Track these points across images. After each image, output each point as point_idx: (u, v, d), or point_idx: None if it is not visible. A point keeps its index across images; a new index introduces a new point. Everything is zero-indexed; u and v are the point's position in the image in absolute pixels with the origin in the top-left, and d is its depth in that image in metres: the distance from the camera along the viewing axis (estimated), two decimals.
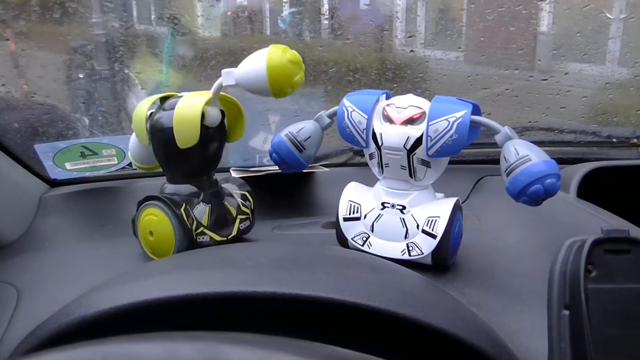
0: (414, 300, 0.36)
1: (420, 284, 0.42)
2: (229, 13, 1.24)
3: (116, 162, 0.79)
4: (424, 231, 0.58)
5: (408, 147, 0.58)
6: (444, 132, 0.55)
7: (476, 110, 0.58)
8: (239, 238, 0.66)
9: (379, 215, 0.61)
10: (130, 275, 0.41)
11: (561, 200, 0.69)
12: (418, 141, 0.57)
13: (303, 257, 0.44)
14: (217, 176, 0.68)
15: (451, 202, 0.59)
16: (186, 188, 0.62)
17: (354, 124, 0.60)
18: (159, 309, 0.35)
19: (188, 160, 0.62)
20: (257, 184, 0.79)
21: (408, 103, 0.59)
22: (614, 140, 0.91)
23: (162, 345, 0.21)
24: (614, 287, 0.34)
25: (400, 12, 1.08)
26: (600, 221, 0.60)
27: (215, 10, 1.17)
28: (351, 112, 0.61)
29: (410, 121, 0.58)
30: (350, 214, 0.63)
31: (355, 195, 0.64)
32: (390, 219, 0.60)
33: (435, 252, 0.58)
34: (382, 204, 0.61)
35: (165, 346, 0.21)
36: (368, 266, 0.43)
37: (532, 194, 0.51)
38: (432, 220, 0.58)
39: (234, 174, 0.79)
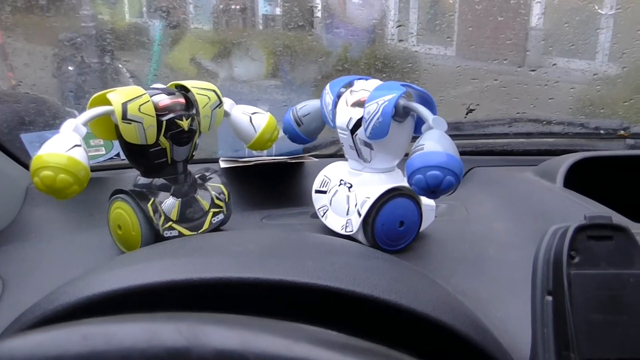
0: (398, 286, 0.36)
1: (406, 271, 0.43)
2: (220, 5, 1.23)
3: (104, 152, 0.79)
4: (357, 210, 0.61)
5: (350, 127, 0.61)
6: (373, 114, 0.57)
7: (424, 99, 0.59)
8: (215, 231, 0.65)
9: (336, 191, 0.65)
10: (115, 262, 0.41)
11: (548, 190, 0.69)
12: (359, 123, 0.60)
13: (290, 244, 0.44)
14: (198, 167, 0.68)
15: (388, 185, 0.60)
16: (157, 181, 0.62)
17: (325, 104, 0.64)
18: (144, 295, 0.35)
19: (137, 159, 0.62)
20: (246, 175, 0.79)
21: (362, 87, 0.61)
22: (602, 132, 0.92)
23: (142, 326, 0.21)
24: (596, 272, 0.35)
25: (391, 2, 1.07)
26: (586, 210, 0.60)
27: (206, 1, 1.16)
28: (325, 94, 0.65)
29: (359, 104, 0.60)
30: (320, 187, 0.68)
31: (331, 171, 0.68)
32: (340, 195, 0.64)
33: (364, 232, 0.61)
34: (340, 180, 0.65)
35: (146, 326, 0.21)
36: (354, 253, 0.43)
37: (415, 182, 0.52)
38: (365, 200, 0.60)
39: (222, 165, 0.78)
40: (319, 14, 1.03)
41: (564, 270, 0.34)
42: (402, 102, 0.58)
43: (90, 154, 0.78)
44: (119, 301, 0.34)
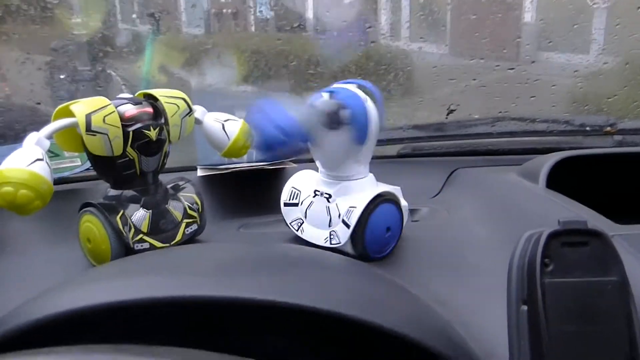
0: (365, 300, 0.35)
1: (376, 282, 0.41)
2: (212, 10, 1.22)
3: (79, 163, 0.77)
4: (343, 221, 0.59)
5: None
6: None
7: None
8: (189, 242, 0.63)
9: (311, 203, 0.62)
10: (70, 281, 0.39)
11: (530, 192, 0.68)
12: None
13: (252, 258, 0.42)
14: (173, 176, 0.67)
15: (372, 193, 0.59)
16: (127, 193, 0.60)
17: None
18: (97, 315, 0.33)
19: (104, 171, 0.60)
20: (223, 182, 0.78)
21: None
22: (588, 128, 0.91)
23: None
24: (570, 281, 0.33)
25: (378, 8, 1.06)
26: (566, 212, 0.59)
27: (198, 8, 1.15)
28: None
29: None
30: (290, 200, 0.65)
31: (298, 182, 0.65)
32: (318, 207, 0.62)
33: (353, 243, 0.59)
34: (314, 191, 0.62)
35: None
36: (321, 265, 0.42)
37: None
38: (351, 210, 0.58)
39: (200, 173, 0.77)
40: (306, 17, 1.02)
41: (538, 279, 0.33)
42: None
43: (65, 165, 0.76)
44: (69, 322, 0.33)
